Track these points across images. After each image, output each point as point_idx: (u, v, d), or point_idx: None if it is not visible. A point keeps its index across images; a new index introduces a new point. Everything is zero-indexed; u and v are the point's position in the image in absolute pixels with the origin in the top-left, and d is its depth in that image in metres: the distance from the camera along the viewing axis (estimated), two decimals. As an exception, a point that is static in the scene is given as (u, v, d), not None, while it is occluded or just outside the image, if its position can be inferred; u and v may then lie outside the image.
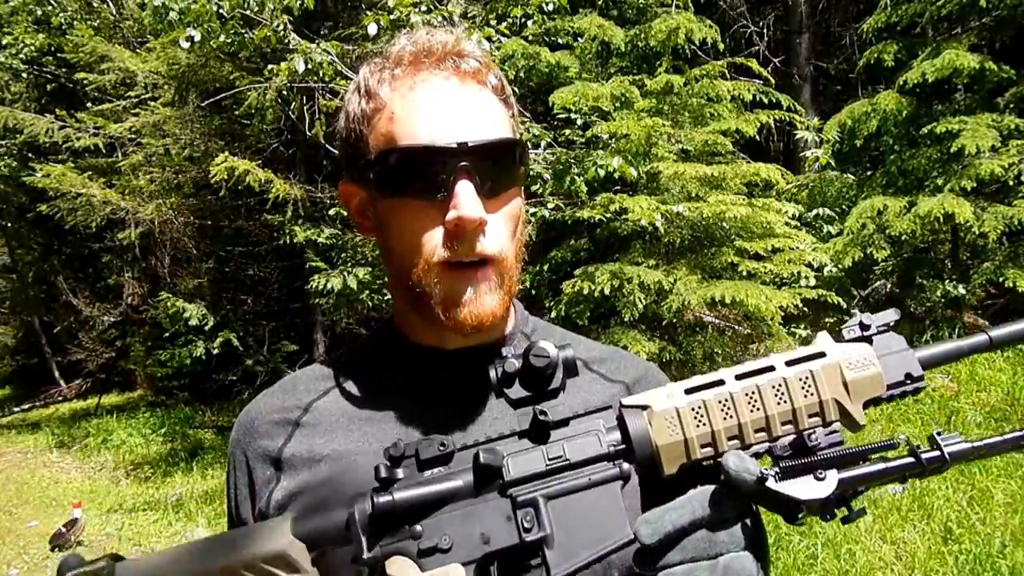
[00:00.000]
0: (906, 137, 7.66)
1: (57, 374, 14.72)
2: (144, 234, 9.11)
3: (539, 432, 0.68)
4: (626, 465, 0.66)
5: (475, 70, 0.82)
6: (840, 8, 10.76)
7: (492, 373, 0.68)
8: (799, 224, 6.45)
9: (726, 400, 0.66)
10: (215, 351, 8.67)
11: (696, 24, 6.96)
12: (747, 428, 0.65)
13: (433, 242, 0.78)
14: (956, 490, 4.19)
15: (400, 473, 0.68)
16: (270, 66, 5.70)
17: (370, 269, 6.60)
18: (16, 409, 14.02)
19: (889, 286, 7.62)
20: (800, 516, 0.61)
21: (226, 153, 6.46)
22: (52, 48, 11.24)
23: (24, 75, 12.06)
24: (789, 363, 0.67)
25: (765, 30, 10.26)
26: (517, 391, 0.68)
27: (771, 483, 0.60)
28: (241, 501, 0.88)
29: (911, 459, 0.62)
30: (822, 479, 0.61)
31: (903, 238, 6.79)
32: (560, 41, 7.55)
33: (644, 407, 0.67)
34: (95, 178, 8.34)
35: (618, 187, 6.14)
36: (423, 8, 5.53)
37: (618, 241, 6.44)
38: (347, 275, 6.40)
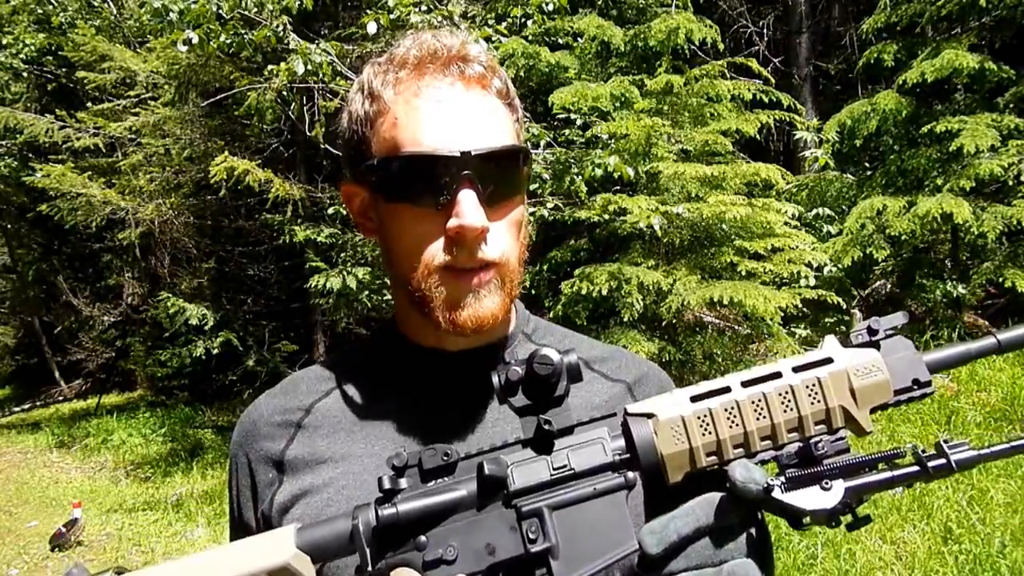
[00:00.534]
0: (906, 137, 7.66)
1: (57, 374, 14.72)
2: (144, 234, 9.12)
3: (543, 441, 0.67)
4: (631, 474, 0.66)
5: (479, 75, 0.81)
6: (840, 8, 10.76)
7: (495, 380, 0.68)
8: (799, 224, 6.44)
9: (732, 408, 0.65)
10: (215, 351, 8.68)
11: (696, 24, 6.96)
12: (753, 436, 0.64)
13: (434, 248, 0.78)
14: (956, 490, 4.19)
15: (403, 483, 0.67)
16: (270, 66, 5.70)
17: (370, 269, 6.60)
18: (16, 409, 14.03)
19: (889, 286, 7.62)
20: (806, 524, 0.61)
21: (226, 153, 6.46)
22: (52, 48, 11.24)
23: (24, 75, 12.06)
24: (796, 369, 0.66)
25: (765, 30, 10.27)
26: (521, 399, 0.68)
27: (777, 493, 0.60)
28: (244, 503, 0.88)
29: (917, 467, 0.61)
30: (828, 489, 0.60)
31: (903, 238, 6.79)
32: (560, 41, 7.56)
33: (649, 415, 0.66)
34: (95, 178, 8.34)
35: (618, 187, 6.14)
36: (423, 8, 5.53)
37: (618, 241, 6.44)
38: (347, 275, 6.40)
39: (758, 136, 6.94)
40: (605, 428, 0.68)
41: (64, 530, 5.81)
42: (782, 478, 0.61)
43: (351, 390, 0.89)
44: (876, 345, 0.67)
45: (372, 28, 5.12)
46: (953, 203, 6.19)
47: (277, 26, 5.31)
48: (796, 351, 5.57)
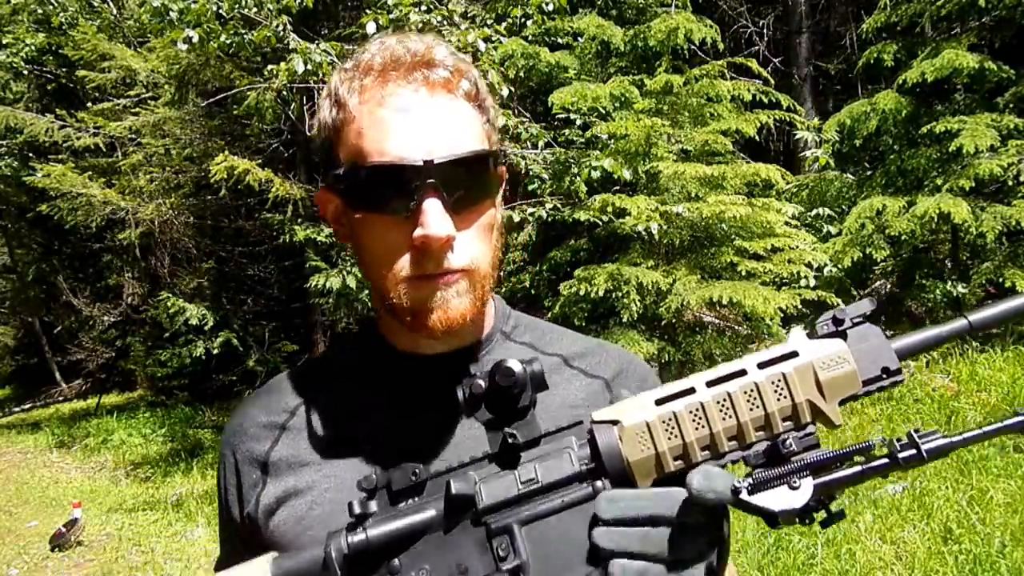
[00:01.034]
0: (905, 137, 7.65)
1: (57, 374, 14.74)
2: (144, 234, 9.13)
3: (510, 454, 0.67)
4: (599, 483, 0.66)
5: (445, 80, 0.80)
6: (840, 8, 10.76)
7: (460, 395, 0.67)
8: (799, 224, 6.44)
9: (697, 410, 0.64)
10: (215, 351, 8.69)
11: (696, 24, 6.96)
12: (720, 437, 0.64)
13: (401, 258, 0.78)
14: (956, 490, 4.19)
15: (373, 506, 0.68)
16: (270, 66, 5.70)
17: (369, 269, 6.59)
18: (16, 409, 14.04)
19: (889, 286, 7.63)
20: (779, 523, 0.60)
21: (226, 153, 6.46)
22: (52, 47, 11.25)
23: (25, 75, 12.06)
24: (761, 365, 0.65)
25: (765, 30, 10.27)
26: (484, 413, 0.68)
27: (744, 496, 0.59)
28: (231, 502, 0.89)
29: (886, 460, 0.60)
30: (796, 488, 0.59)
31: (903, 238, 6.78)
32: (560, 41, 7.56)
33: (615, 422, 0.66)
34: (95, 178, 8.35)
35: (618, 187, 6.14)
36: (423, 8, 5.53)
37: (617, 241, 6.44)
38: (346, 274, 6.41)
39: (758, 136, 6.94)
40: (573, 437, 0.68)
41: (64, 530, 5.81)
42: (749, 480, 0.60)
43: (334, 392, 0.90)
44: (843, 335, 0.65)
45: (372, 28, 5.11)
46: (952, 203, 6.18)
47: (277, 26, 5.31)
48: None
